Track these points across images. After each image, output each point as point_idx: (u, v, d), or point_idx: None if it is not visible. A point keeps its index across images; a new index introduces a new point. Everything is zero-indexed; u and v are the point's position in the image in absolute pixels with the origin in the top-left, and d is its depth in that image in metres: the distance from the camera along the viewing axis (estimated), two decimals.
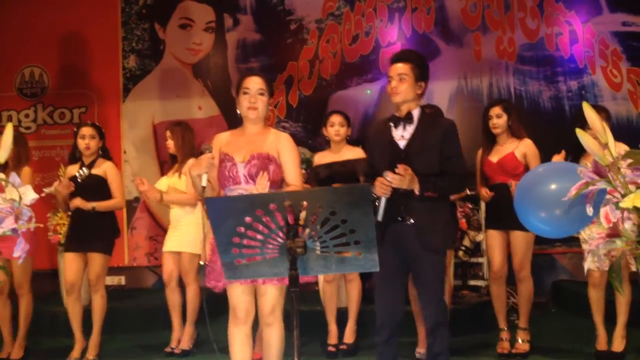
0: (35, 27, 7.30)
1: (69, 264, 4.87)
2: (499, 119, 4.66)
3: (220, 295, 3.44)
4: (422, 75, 3.46)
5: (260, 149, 3.32)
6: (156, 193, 4.87)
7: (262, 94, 3.37)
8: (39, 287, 5.41)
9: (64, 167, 4.97)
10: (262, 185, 3.18)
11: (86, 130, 4.93)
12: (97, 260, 4.84)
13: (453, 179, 3.38)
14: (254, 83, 3.37)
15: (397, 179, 3.17)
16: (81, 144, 4.89)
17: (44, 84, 7.43)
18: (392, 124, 3.44)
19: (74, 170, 4.94)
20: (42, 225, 5.13)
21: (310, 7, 7.20)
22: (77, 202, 4.79)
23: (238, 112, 3.44)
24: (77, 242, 4.86)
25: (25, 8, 7.34)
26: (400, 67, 3.41)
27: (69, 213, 5.05)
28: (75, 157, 5.00)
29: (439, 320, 3.33)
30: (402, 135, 3.41)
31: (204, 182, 3.14)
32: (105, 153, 5.05)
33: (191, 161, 4.70)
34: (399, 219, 3.31)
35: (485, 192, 4.63)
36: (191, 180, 3.33)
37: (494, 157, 4.66)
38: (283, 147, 3.36)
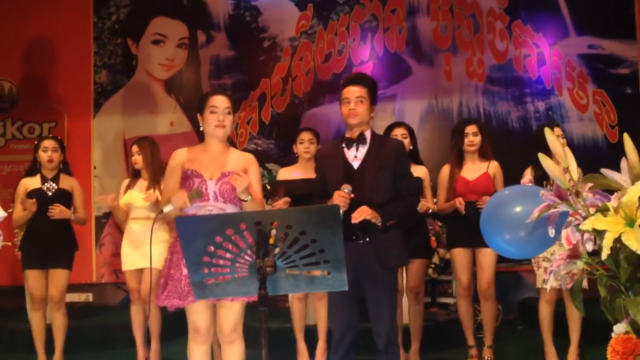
0: (5, 40, 7.23)
1: (34, 281, 4.82)
2: (475, 137, 4.73)
3: (172, 313, 3.41)
4: (374, 99, 3.59)
5: (230, 167, 3.38)
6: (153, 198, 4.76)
7: (229, 113, 3.44)
8: (1, 304, 5.31)
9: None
10: (242, 182, 3.20)
11: (49, 143, 4.91)
12: (60, 276, 4.82)
13: (408, 200, 3.53)
14: (222, 102, 3.42)
15: (360, 216, 3.26)
16: (43, 156, 4.86)
17: (13, 97, 7.35)
18: (344, 145, 3.53)
19: (33, 183, 4.89)
20: (10, 244, 5.09)
21: (284, 25, 7.26)
22: (65, 212, 4.76)
23: (201, 129, 3.48)
24: (37, 258, 4.81)
25: None
26: (358, 90, 3.50)
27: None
28: (34, 170, 4.96)
29: (392, 337, 3.41)
30: (355, 156, 3.50)
31: (167, 209, 3.22)
32: (66, 167, 5.05)
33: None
34: (355, 238, 3.37)
35: (460, 203, 4.53)
36: (162, 202, 3.36)
37: (468, 175, 4.70)
38: (251, 167, 3.46)
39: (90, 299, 7.00)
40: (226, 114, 3.41)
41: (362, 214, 3.27)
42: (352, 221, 3.26)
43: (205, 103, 3.43)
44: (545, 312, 4.57)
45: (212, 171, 3.36)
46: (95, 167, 7.21)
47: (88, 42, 7.34)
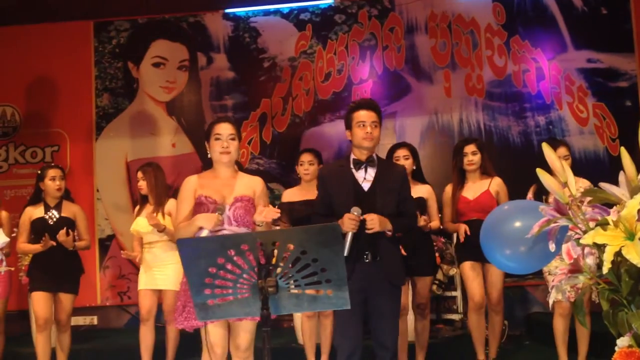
0: (6, 65, 7.29)
1: (40, 302, 4.85)
2: (474, 156, 4.75)
3: (188, 334, 3.48)
4: (380, 126, 3.70)
5: (241, 192, 3.50)
6: (160, 225, 4.81)
7: (233, 139, 3.55)
8: (7, 329, 5.31)
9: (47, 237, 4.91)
10: (270, 213, 3.31)
11: (55, 172, 5.01)
12: (67, 299, 4.92)
13: (410, 219, 3.69)
14: (225, 129, 3.54)
15: (371, 222, 3.38)
16: (52, 185, 4.96)
17: (15, 122, 7.40)
18: (352, 167, 3.60)
19: (37, 212, 4.98)
20: (13, 269, 5.10)
21: (283, 45, 7.31)
22: (68, 241, 4.80)
23: (209, 156, 3.60)
24: (46, 282, 4.86)
25: None
26: (374, 115, 3.63)
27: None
28: (38, 198, 5.04)
29: (395, 353, 3.52)
30: (364, 178, 3.59)
31: (203, 234, 3.32)
32: (67, 194, 5.15)
33: (172, 202, 4.75)
34: (365, 258, 3.47)
35: (464, 229, 4.59)
36: (188, 227, 3.41)
37: (469, 194, 4.73)
38: (260, 190, 3.59)
39: (95, 322, 6.99)
40: (230, 140, 3.53)
41: (375, 221, 3.38)
42: (367, 226, 3.37)
43: (210, 131, 3.57)
44: (559, 325, 4.56)
45: (224, 196, 3.47)
46: (98, 190, 7.23)
47: (89, 66, 7.40)
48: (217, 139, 3.53)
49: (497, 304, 4.68)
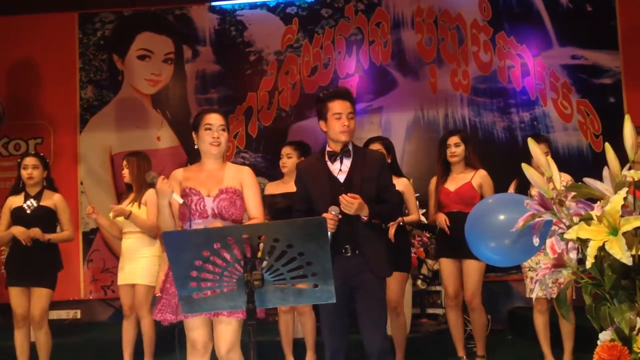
0: None
1: (16, 297, 4.80)
2: (457, 148, 4.75)
3: (170, 327, 3.42)
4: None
5: (226, 183, 3.42)
6: (125, 210, 4.80)
7: (223, 130, 3.47)
8: None
9: None
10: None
11: (29, 161, 4.91)
12: (42, 295, 4.79)
13: (392, 207, 3.56)
14: (216, 120, 3.45)
15: (347, 204, 3.25)
16: (24, 174, 4.87)
17: None
18: (327, 159, 3.52)
19: (17, 201, 4.90)
20: None
21: (270, 39, 7.28)
22: (36, 232, 4.72)
23: (196, 147, 3.51)
24: (21, 275, 4.79)
25: None
26: (350, 106, 3.49)
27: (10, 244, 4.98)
28: (18, 188, 4.97)
29: (385, 347, 3.42)
30: (340, 169, 3.49)
31: (179, 200, 3.26)
32: (50, 184, 5.04)
33: (151, 191, 4.70)
34: (344, 252, 3.39)
35: (444, 219, 4.63)
36: (158, 209, 3.36)
37: (451, 186, 4.74)
38: (246, 181, 3.48)
39: (79, 315, 6.94)
40: (221, 131, 3.45)
41: (352, 201, 3.26)
42: (342, 207, 3.26)
43: (200, 121, 3.46)
44: (539, 322, 4.61)
45: (209, 188, 3.39)
46: (82, 183, 7.18)
47: (73, 58, 7.34)
48: (207, 129, 3.43)
49: (470, 300, 4.67)
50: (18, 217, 4.83)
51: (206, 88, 7.30)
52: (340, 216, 3.28)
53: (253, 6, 7.33)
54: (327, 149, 3.56)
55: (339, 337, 3.45)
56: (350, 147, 3.53)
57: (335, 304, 2.92)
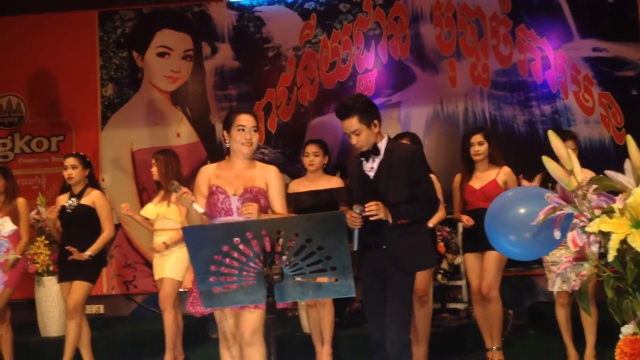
0: (12, 55, 7.30)
1: (64, 292, 4.95)
2: (480, 146, 4.74)
3: (200, 320, 3.50)
4: (371, 116, 3.56)
5: (251, 182, 3.49)
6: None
7: (255, 131, 3.56)
8: (13, 318, 5.31)
9: (42, 196, 4.99)
10: (249, 212, 3.30)
11: (68, 161, 5.02)
12: (77, 287, 4.84)
13: (424, 203, 3.54)
14: (249, 121, 3.53)
15: (371, 212, 3.35)
16: (65, 174, 5.00)
17: (21, 112, 7.41)
18: (362, 159, 3.63)
19: (63, 200, 5.02)
20: (19, 256, 5.11)
21: (288, 34, 7.29)
22: (75, 254, 4.78)
23: (227, 146, 3.58)
24: (66, 270, 4.90)
25: (1, 36, 7.34)
26: (351, 125, 3.53)
27: (57, 242, 5.13)
28: (65, 187, 5.11)
29: (404, 341, 3.45)
30: (371, 167, 3.59)
31: (199, 209, 3.31)
32: (93, 182, 5.12)
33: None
34: (372, 246, 3.49)
35: (467, 220, 4.67)
36: (191, 219, 3.43)
37: (476, 184, 4.74)
38: (271, 180, 3.56)
39: (102, 310, 7.03)
40: (253, 132, 3.53)
41: (375, 209, 3.34)
42: (366, 213, 3.34)
43: (232, 121, 3.52)
44: (561, 315, 4.62)
45: (236, 187, 3.47)
46: (103, 180, 7.24)
47: (94, 56, 7.41)
48: (240, 129, 3.49)
49: (487, 291, 4.66)
50: (61, 216, 4.95)
51: (225, 84, 7.33)
52: (364, 214, 3.36)
53: (271, 2, 7.34)
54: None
55: (381, 328, 3.48)
56: (382, 145, 3.59)
57: (373, 297, 3.40)
